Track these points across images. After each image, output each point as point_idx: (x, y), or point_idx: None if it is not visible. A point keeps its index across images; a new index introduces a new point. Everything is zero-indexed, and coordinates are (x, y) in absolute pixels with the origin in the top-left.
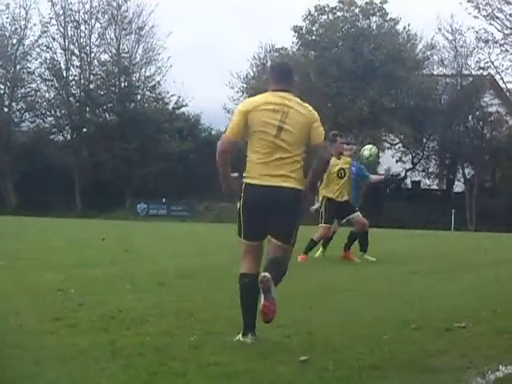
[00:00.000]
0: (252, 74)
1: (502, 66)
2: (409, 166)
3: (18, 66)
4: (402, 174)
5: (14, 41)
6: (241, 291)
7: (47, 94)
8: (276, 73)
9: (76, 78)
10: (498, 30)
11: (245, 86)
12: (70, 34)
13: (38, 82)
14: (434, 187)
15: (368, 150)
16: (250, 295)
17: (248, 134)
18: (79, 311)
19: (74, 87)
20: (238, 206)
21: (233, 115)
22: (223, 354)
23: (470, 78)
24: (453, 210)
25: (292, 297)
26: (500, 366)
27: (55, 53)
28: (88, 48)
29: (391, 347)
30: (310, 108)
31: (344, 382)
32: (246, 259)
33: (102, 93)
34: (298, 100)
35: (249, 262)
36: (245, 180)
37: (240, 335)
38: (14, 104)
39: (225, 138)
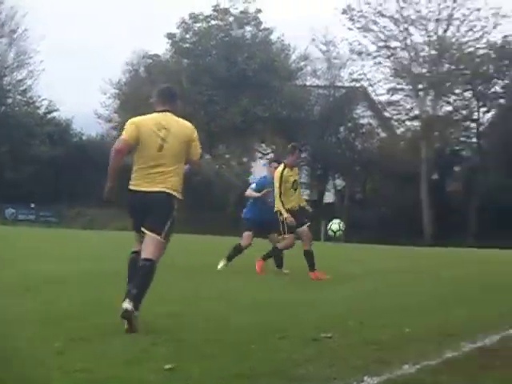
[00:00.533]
0: (124, 80)
1: (375, 78)
2: None
3: None
4: None
5: None
6: (129, 262)
7: None
8: (161, 96)
9: None
10: (372, 43)
11: (117, 91)
12: None
13: None
14: (305, 197)
15: (337, 223)
16: (134, 267)
17: (136, 146)
18: None
19: None
20: None
21: (125, 126)
22: (89, 360)
23: (343, 90)
24: (323, 221)
25: (161, 303)
26: (365, 377)
27: None
28: None
29: (259, 356)
30: (189, 126)
31: None
32: (136, 243)
33: None
34: (179, 120)
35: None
36: (129, 186)
37: (123, 302)
38: None
39: (121, 139)
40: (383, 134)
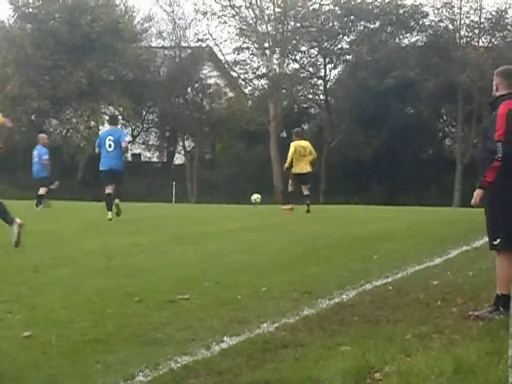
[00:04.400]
0: None
1: (221, 37)
2: (129, 138)
3: None
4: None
5: None
6: None
7: None
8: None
9: None
10: (216, 2)
11: None
12: None
13: None
14: (155, 160)
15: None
16: None
17: None
18: None
19: None
20: None
21: None
22: None
23: (189, 50)
24: (174, 182)
25: (13, 272)
26: (225, 337)
27: None
28: None
29: (115, 321)
30: None
31: (68, 357)
32: None
33: None
34: None
35: None
36: None
37: None
38: None
39: None
40: (231, 94)
